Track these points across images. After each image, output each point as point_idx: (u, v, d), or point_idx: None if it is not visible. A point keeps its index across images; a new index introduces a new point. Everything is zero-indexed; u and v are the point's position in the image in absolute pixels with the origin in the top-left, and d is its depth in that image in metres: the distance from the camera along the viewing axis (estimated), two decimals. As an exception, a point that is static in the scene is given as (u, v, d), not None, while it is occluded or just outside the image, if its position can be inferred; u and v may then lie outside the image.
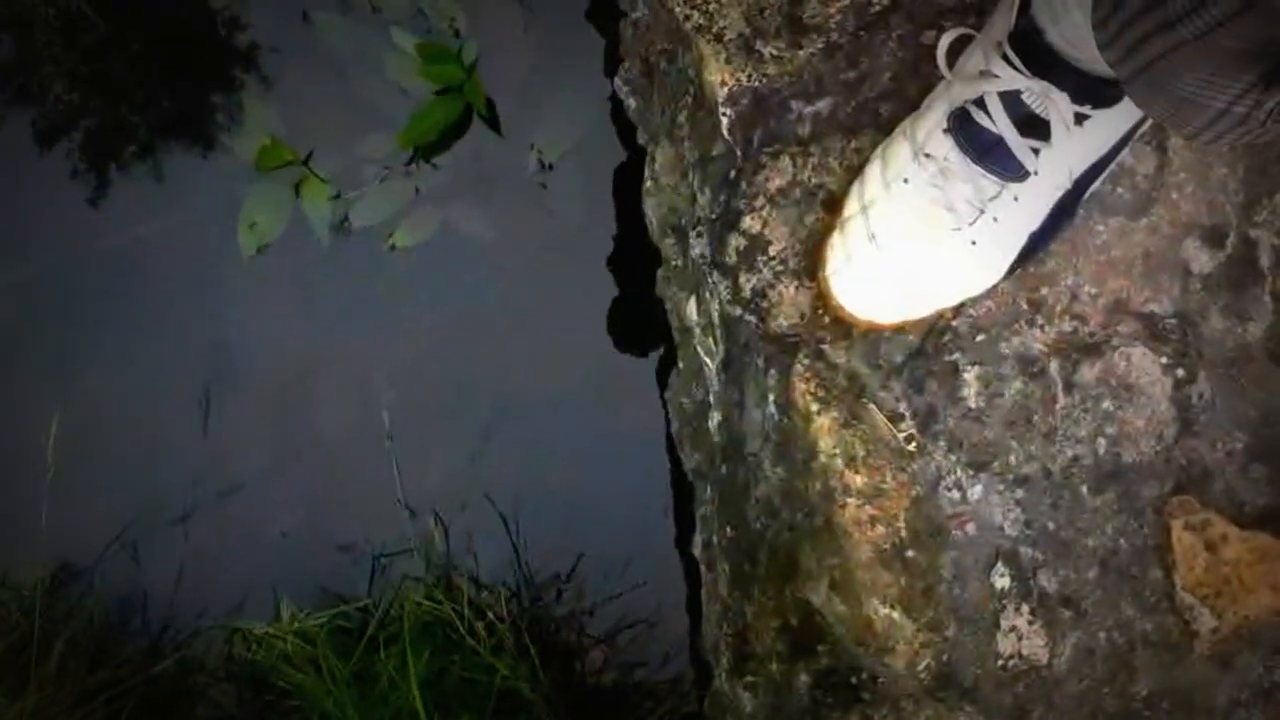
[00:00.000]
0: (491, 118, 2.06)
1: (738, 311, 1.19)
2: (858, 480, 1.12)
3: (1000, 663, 1.13)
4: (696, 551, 1.75)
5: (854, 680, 1.19)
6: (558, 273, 2.07)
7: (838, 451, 1.13)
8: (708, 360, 1.57)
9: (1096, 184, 1.11)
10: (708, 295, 1.48)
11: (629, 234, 2.06)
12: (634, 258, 2.02)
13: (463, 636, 1.94)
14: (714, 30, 1.18)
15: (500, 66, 2.07)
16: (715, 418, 1.50)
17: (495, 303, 2.06)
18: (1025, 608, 1.13)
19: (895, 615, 1.12)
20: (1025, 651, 1.13)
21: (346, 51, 2.05)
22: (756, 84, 1.17)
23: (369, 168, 2.05)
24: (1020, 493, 1.14)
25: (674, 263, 1.74)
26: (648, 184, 1.68)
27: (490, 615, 1.97)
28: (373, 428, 2.05)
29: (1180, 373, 1.15)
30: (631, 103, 1.64)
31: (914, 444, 1.13)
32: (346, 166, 2.05)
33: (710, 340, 1.53)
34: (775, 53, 1.17)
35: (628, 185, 2.04)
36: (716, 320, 1.46)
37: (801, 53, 1.16)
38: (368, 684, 1.90)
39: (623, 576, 2.06)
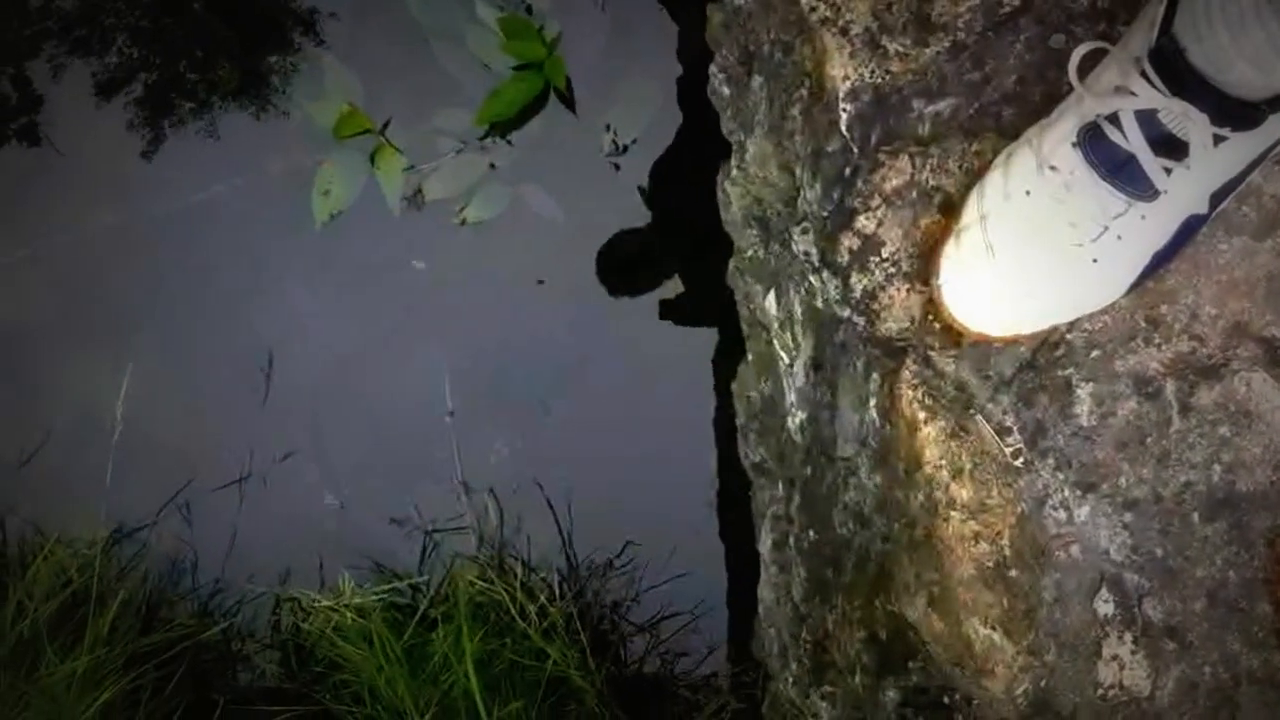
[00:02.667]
0: (568, 96, 2.04)
1: (845, 312, 1.15)
2: (963, 494, 1.09)
3: (1100, 692, 1.10)
4: (764, 550, 1.72)
5: (946, 700, 1.16)
6: (626, 254, 2.05)
7: (944, 463, 1.09)
8: (784, 355, 1.54)
9: (1225, 203, 1.07)
10: (791, 290, 1.44)
11: (699, 220, 2.03)
12: (703, 243, 2.00)
13: (514, 619, 1.92)
14: (840, 24, 1.14)
15: (576, 45, 2.05)
16: (798, 417, 1.47)
17: (562, 282, 2.04)
18: (1128, 636, 1.10)
19: (995, 636, 1.09)
20: (1126, 682, 1.09)
21: (430, 23, 2.02)
22: (879, 80, 1.13)
23: (444, 141, 2.03)
24: (1129, 516, 1.10)
25: (749, 254, 1.71)
26: (733, 173, 1.65)
27: (542, 599, 1.95)
28: (433, 403, 2.03)
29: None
30: (725, 91, 1.60)
31: (1021, 460, 1.10)
32: (422, 138, 2.03)
33: (789, 336, 1.49)
34: (901, 49, 1.13)
35: (699, 170, 2.01)
36: (800, 316, 1.42)
37: (927, 50, 1.13)
38: (418, 662, 1.89)
39: (667, 566, 2.05)
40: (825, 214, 1.17)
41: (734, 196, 1.68)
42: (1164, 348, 1.11)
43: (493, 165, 2.02)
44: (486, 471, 2.04)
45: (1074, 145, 1.02)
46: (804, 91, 1.22)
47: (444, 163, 2.02)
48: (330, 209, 2.00)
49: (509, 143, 2.03)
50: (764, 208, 1.57)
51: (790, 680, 1.53)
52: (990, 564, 1.08)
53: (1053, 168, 1.03)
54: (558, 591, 1.99)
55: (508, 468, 2.04)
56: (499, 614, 1.93)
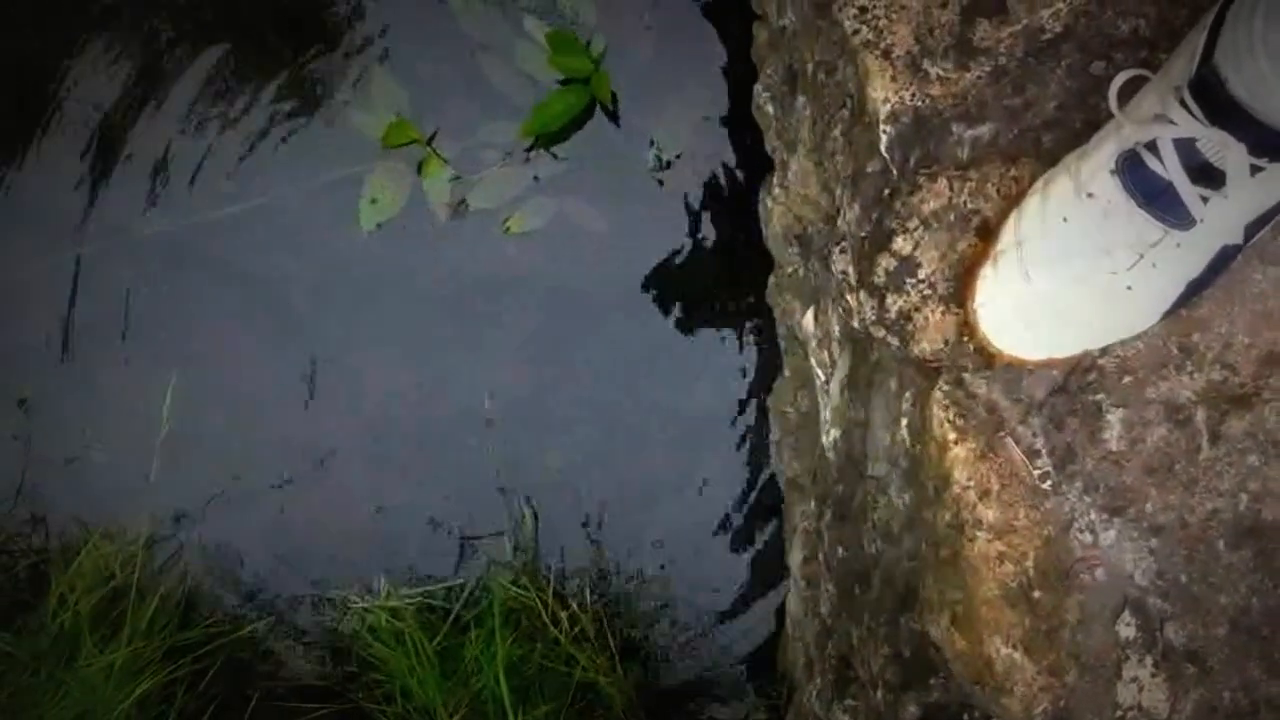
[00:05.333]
0: (613, 110, 2.06)
1: (880, 332, 1.17)
2: (990, 515, 1.10)
3: (1119, 713, 1.10)
4: (793, 565, 1.73)
5: (965, 717, 1.17)
6: (667, 268, 2.07)
7: (971, 484, 1.11)
8: (820, 372, 1.55)
9: (1261, 233, 1.08)
10: (830, 308, 1.46)
11: (740, 235, 2.05)
12: (744, 259, 2.02)
13: (545, 625, 1.94)
14: (882, 46, 1.16)
15: (622, 60, 2.07)
16: (832, 434, 1.48)
17: (604, 294, 2.06)
18: (1149, 659, 1.11)
19: (1016, 656, 1.10)
20: (1145, 704, 1.10)
21: (477, 36, 2.05)
22: (919, 103, 1.15)
23: (490, 152, 2.05)
24: (1154, 542, 1.11)
25: (789, 271, 1.72)
26: (775, 190, 1.67)
27: (573, 605, 1.97)
28: (473, 410, 2.05)
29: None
30: (769, 109, 1.62)
31: (1049, 483, 1.11)
32: (468, 149, 2.06)
33: (826, 354, 1.51)
34: (942, 73, 1.14)
35: (742, 186, 2.03)
36: (838, 334, 1.44)
37: (968, 75, 1.14)
38: (450, 664, 1.91)
39: (697, 576, 2.06)
40: (863, 234, 1.19)
41: (775, 214, 1.70)
42: (1196, 375, 1.12)
43: (537, 178, 2.05)
44: (523, 479, 2.06)
45: (1112, 173, 1.03)
46: (845, 112, 1.24)
47: (489, 174, 2.04)
48: (377, 217, 2.03)
49: (554, 155, 2.05)
50: (804, 226, 1.58)
51: (814, 693, 1.54)
52: (1014, 584, 1.10)
53: (1090, 195, 1.05)
54: (589, 599, 2.00)
55: (544, 476, 2.06)
56: (530, 619, 1.95)
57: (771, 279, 1.91)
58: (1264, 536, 1.11)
